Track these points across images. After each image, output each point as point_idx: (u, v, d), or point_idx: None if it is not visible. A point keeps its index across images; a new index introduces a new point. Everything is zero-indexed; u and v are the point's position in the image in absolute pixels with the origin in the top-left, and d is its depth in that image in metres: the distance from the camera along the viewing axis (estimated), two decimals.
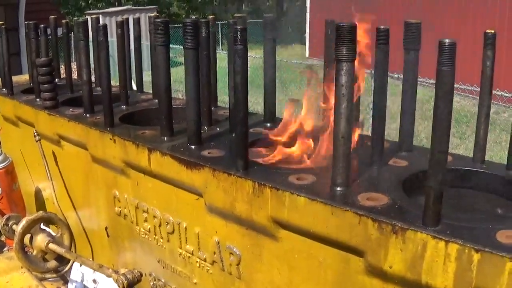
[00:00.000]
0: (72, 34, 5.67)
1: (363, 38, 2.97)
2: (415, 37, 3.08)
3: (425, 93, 17.97)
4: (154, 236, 3.80)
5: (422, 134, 15.52)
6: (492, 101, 3.14)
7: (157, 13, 31.46)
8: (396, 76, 9.71)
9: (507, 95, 13.55)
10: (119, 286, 3.72)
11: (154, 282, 3.99)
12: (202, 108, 3.62)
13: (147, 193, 3.74)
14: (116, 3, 49.97)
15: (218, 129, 3.88)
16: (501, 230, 2.20)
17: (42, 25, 5.25)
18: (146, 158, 3.52)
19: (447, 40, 2.20)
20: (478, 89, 3.12)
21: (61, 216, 4.68)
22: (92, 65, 4.52)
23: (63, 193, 4.83)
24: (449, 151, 2.36)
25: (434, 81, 2.25)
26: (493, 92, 3.12)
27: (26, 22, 5.43)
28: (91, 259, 4.62)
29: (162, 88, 3.59)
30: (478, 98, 3.14)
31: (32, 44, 5.23)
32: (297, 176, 2.83)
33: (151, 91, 4.98)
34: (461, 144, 15.47)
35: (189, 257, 3.55)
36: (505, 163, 3.02)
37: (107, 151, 3.91)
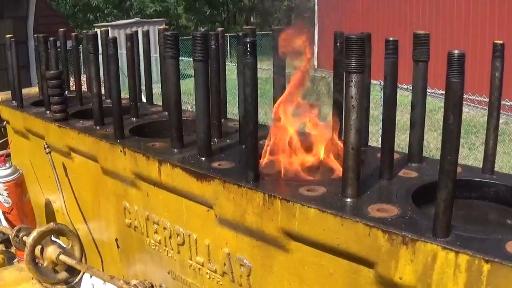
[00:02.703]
0: (81, 47, 5.69)
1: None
2: (424, 48, 3.08)
3: (435, 103, 17.99)
4: (165, 247, 3.80)
5: (431, 145, 15.51)
6: (501, 111, 3.14)
7: (165, 25, 31.57)
8: (405, 87, 9.70)
9: None
10: None
11: None
12: (212, 120, 3.63)
13: (157, 205, 3.75)
14: (125, 16, 50.11)
15: (228, 141, 3.88)
16: (511, 241, 2.20)
17: (51, 38, 5.27)
18: (157, 170, 3.53)
19: (456, 51, 2.21)
20: (487, 100, 3.12)
21: (72, 228, 4.69)
22: (101, 78, 4.53)
23: (73, 205, 4.85)
24: (458, 161, 2.36)
25: (443, 92, 2.26)
26: (503, 102, 3.13)
27: (35, 35, 5.45)
28: (101, 271, 4.63)
29: (172, 100, 3.61)
30: (487, 108, 3.15)
31: (41, 57, 5.24)
32: (307, 187, 2.83)
33: (160, 103, 5.00)
34: (470, 155, 15.44)
35: (199, 268, 3.56)
36: None
37: (117, 163, 3.92)
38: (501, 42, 3.00)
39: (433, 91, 12.65)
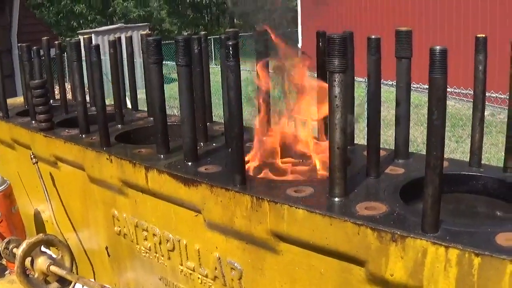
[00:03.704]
0: (65, 55, 5.67)
1: None
2: (406, 44, 3.08)
3: (420, 98, 18.03)
4: (155, 254, 3.79)
5: (419, 139, 15.53)
6: (487, 103, 3.15)
7: (149, 30, 31.50)
8: (390, 83, 9.71)
9: (502, 96, 13.55)
10: None
11: None
12: (197, 124, 3.62)
13: (146, 212, 3.73)
14: (108, 22, 50.05)
15: (214, 144, 3.87)
16: (500, 233, 2.21)
17: (35, 47, 5.24)
18: (144, 176, 3.52)
19: (438, 47, 2.21)
20: (473, 92, 3.13)
21: (61, 238, 4.68)
22: (86, 85, 4.51)
23: (62, 215, 4.83)
24: (446, 155, 2.36)
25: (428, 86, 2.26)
26: (488, 94, 3.13)
27: (19, 44, 5.43)
28: (92, 280, 4.61)
29: (157, 106, 3.60)
30: (473, 101, 3.15)
31: (25, 66, 5.23)
32: (295, 188, 2.83)
33: (145, 109, 4.98)
34: (458, 148, 15.46)
35: (190, 273, 3.55)
36: (502, 165, 3.03)
37: (104, 171, 3.90)
38: (484, 35, 3.00)
39: (418, 85, 12.68)
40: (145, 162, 3.53)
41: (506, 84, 2.97)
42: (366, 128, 3.06)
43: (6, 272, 5.53)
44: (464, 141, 15.77)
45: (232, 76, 2.91)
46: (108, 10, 53.52)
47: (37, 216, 5.50)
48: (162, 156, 3.62)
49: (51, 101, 4.94)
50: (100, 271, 4.71)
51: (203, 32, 4.19)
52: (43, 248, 4.61)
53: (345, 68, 2.56)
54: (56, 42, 5.66)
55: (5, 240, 4.75)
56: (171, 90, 17.89)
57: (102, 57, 4.14)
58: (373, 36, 3.01)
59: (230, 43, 2.95)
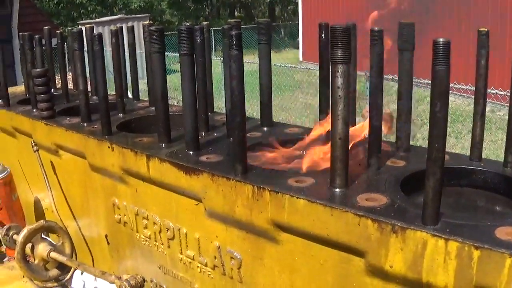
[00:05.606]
0: (66, 44, 5.68)
1: None
2: (409, 37, 3.09)
3: (420, 93, 18.03)
4: (155, 242, 3.80)
5: (418, 135, 15.53)
6: (487, 99, 3.15)
7: (150, 21, 31.50)
8: (390, 77, 9.70)
9: (502, 93, 13.56)
10: None
11: None
12: (199, 114, 3.63)
13: (146, 200, 3.74)
14: (109, 13, 49.99)
15: (215, 134, 3.88)
16: (500, 227, 2.22)
17: (37, 36, 5.25)
18: (145, 165, 3.53)
19: (441, 39, 2.21)
20: (473, 88, 3.13)
21: (61, 225, 4.68)
22: (87, 74, 4.52)
23: (62, 202, 4.83)
24: (445, 150, 2.37)
25: (428, 81, 2.27)
26: (488, 90, 3.13)
27: (20, 34, 5.44)
28: (92, 266, 4.62)
29: (159, 95, 3.60)
30: (472, 97, 3.15)
31: (27, 55, 5.23)
32: (296, 178, 2.83)
33: (147, 99, 4.99)
34: (457, 144, 15.48)
35: (190, 262, 3.56)
36: (502, 161, 3.04)
37: (105, 159, 3.91)
38: (486, 29, 3.01)
39: (418, 80, 12.68)
40: (147, 151, 3.53)
41: (506, 81, 2.97)
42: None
43: (5, 259, 5.56)
44: (463, 137, 15.79)
45: (235, 65, 2.91)
46: (108, 1, 53.46)
47: (37, 204, 5.51)
48: (163, 145, 3.63)
49: (52, 89, 4.94)
50: (99, 259, 4.72)
51: (206, 23, 4.19)
52: (43, 235, 4.62)
53: (348, 59, 2.57)
54: (58, 31, 5.67)
55: (5, 227, 4.77)
56: (171, 82, 17.92)
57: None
58: (376, 28, 3.02)
59: (234, 33, 2.96)
